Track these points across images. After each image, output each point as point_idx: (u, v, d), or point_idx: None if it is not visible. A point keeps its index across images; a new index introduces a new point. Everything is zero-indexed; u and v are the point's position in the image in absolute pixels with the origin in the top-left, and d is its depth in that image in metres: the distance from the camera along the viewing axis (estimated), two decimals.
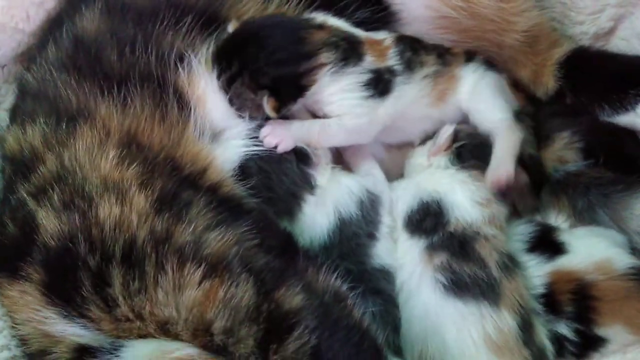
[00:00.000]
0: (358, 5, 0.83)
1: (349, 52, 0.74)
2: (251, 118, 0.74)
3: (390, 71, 0.77)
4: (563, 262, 0.76)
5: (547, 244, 0.78)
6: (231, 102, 0.73)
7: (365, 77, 0.75)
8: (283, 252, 0.64)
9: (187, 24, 0.74)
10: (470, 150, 0.80)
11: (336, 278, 0.65)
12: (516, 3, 0.83)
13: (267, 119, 0.74)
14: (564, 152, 0.86)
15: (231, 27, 0.75)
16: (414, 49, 0.80)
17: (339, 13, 0.81)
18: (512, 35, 0.85)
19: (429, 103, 0.80)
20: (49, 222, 0.61)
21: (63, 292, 0.58)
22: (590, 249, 0.76)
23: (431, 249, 0.73)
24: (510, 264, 0.73)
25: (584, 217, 0.82)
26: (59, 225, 0.60)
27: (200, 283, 0.58)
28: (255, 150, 0.73)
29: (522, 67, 0.88)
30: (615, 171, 0.83)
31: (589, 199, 0.82)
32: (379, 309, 0.69)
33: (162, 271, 0.58)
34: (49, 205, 0.62)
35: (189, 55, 0.73)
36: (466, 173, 0.78)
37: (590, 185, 0.82)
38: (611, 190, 0.81)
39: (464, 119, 0.84)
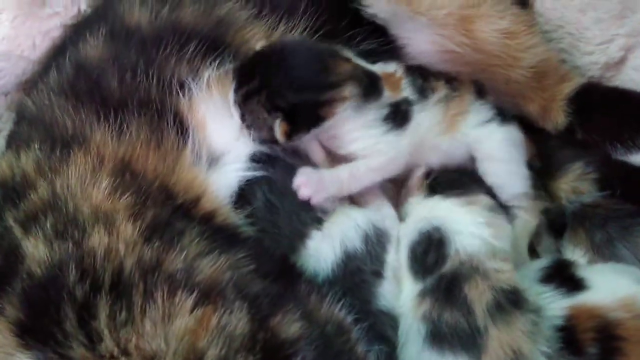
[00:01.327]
0: (364, 37, 0.82)
1: (370, 87, 0.73)
2: (257, 139, 0.72)
3: (407, 102, 0.76)
4: (583, 299, 0.70)
5: (564, 278, 0.73)
6: (243, 118, 0.71)
7: (385, 111, 0.73)
8: (281, 277, 0.61)
9: (190, 49, 0.73)
10: (445, 181, 0.74)
11: (340, 309, 0.61)
12: (522, 40, 0.82)
13: (273, 142, 0.71)
14: (578, 183, 0.83)
15: (259, 47, 0.75)
16: (423, 77, 0.79)
17: (344, 43, 0.81)
18: (518, 71, 0.83)
19: (441, 130, 0.78)
20: (38, 250, 0.58)
21: (42, 330, 0.54)
22: (612, 285, 0.71)
23: (422, 295, 0.68)
24: (509, 305, 0.65)
25: (602, 251, 0.78)
26: (49, 253, 0.57)
27: (192, 311, 0.54)
28: (256, 175, 0.71)
29: (530, 102, 0.87)
30: (634, 203, 0.79)
31: (608, 232, 0.77)
32: (383, 356, 0.65)
33: (150, 300, 0.55)
34: (39, 233, 0.59)
35: (192, 80, 0.72)
36: (453, 199, 0.72)
37: (609, 217, 0.78)
38: (631, 223, 0.77)
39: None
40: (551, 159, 0.86)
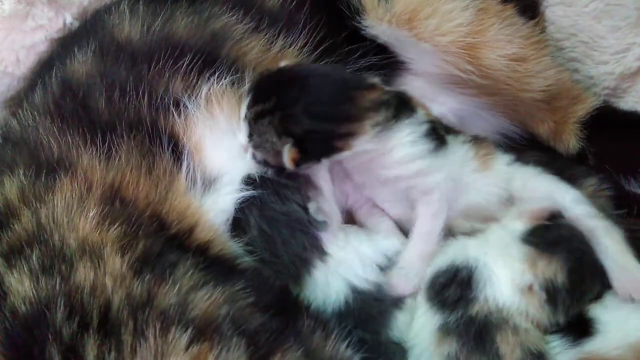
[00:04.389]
0: (365, 52, 0.79)
1: (401, 107, 0.69)
2: (260, 162, 0.67)
3: (441, 124, 0.73)
4: (592, 348, 0.65)
5: (573, 321, 0.67)
6: (250, 137, 0.67)
7: (424, 127, 0.70)
8: (282, 310, 0.58)
9: (185, 64, 0.69)
10: (551, 236, 0.68)
11: (347, 346, 0.57)
12: (530, 65, 0.78)
13: (277, 167, 0.67)
14: (592, 200, 0.79)
15: (283, 64, 0.71)
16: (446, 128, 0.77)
17: (344, 58, 0.78)
18: (528, 95, 0.80)
19: (475, 168, 0.74)
20: (23, 286, 0.54)
21: None
22: (625, 328, 0.66)
23: (444, 330, 0.64)
24: None
25: None
26: (35, 289, 0.54)
27: (187, 349, 0.52)
28: (248, 196, 0.67)
29: (541, 123, 0.83)
30: None
31: None
32: None
33: (141, 339, 0.51)
34: (24, 268, 0.56)
35: (187, 97, 0.68)
36: (525, 251, 0.67)
37: (627, 239, 0.73)
38: None
39: None
40: (563, 174, 0.82)
